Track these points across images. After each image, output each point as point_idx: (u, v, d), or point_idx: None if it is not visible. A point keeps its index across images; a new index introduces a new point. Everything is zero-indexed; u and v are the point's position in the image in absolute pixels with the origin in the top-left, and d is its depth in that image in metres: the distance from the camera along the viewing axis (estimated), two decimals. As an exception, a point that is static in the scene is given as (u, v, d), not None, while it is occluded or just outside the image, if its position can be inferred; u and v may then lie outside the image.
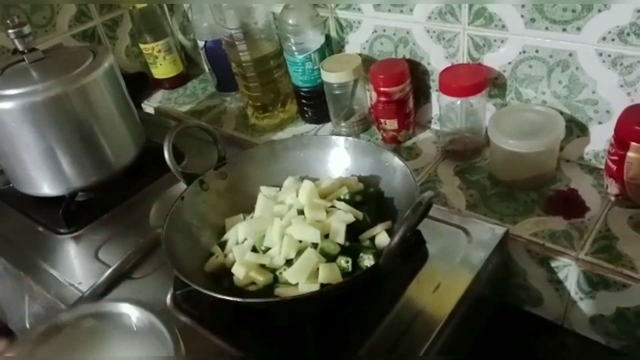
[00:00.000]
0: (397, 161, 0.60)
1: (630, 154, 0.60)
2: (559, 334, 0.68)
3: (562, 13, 0.63)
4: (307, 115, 0.94)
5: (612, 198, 0.66)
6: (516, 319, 0.70)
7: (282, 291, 0.52)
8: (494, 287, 0.66)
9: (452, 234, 0.64)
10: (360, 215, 0.57)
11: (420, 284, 0.59)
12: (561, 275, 0.63)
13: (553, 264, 0.63)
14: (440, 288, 0.58)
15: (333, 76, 0.82)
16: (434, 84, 0.81)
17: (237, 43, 0.85)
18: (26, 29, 0.74)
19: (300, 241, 0.54)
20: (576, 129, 0.71)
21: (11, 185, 0.82)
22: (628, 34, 0.60)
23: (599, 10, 0.60)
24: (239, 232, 0.58)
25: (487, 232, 0.63)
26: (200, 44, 0.98)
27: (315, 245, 0.54)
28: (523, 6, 0.65)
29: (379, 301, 0.57)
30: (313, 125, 0.94)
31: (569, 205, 0.67)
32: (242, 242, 0.58)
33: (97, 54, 0.78)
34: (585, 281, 0.61)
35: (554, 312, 0.68)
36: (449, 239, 0.63)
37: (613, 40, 0.61)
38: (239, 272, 0.53)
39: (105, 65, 0.76)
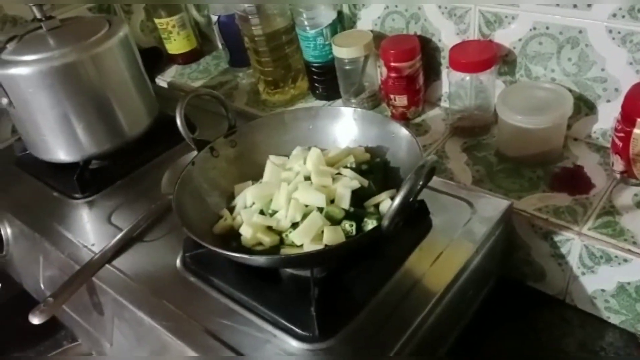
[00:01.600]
0: (403, 132, 0.60)
1: (636, 130, 0.60)
2: (560, 309, 0.69)
3: (573, -11, 0.63)
4: (317, 92, 0.95)
5: (618, 175, 0.66)
6: (517, 293, 0.71)
7: (287, 251, 0.54)
8: (495, 260, 0.67)
9: (457, 206, 0.65)
10: (365, 182, 0.58)
11: (422, 253, 0.60)
12: (564, 249, 0.64)
13: (556, 239, 0.64)
14: (442, 258, 0.59)
15: (344, 51, 0.83)
16: (444, 60, 0.81)
17: (250, 17, 0.86)
18: (44, -3, 0.75)
19: (307, 205, 0.56)
20: (584, 107, 0.71)
21: (28, 152, 0.84)
22: (639, 10, 0.60)
23: (611, -14, 0.60)
24: (247, 197, 0.60)
25: (491, 205, 0.64)
26: (214, 18, 0.99)
27: (320, 210, 0.55)
28: (535, -18, 0.65)
29: (380, 267, 0.58)
30: (323, 102, 0.95)
31: (574, 181, 0.68)
32: (250, 206, 0.59)
33: (112, 23, 0.79)
34: (587, 255, 0.62)
35: (555, 286, 0.68)
36: (453, 211, 0.64)
37: (623, 17, 0.61)
38: (246, 232, 0.55)
39: (120, 34, 0.78)
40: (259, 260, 0.53)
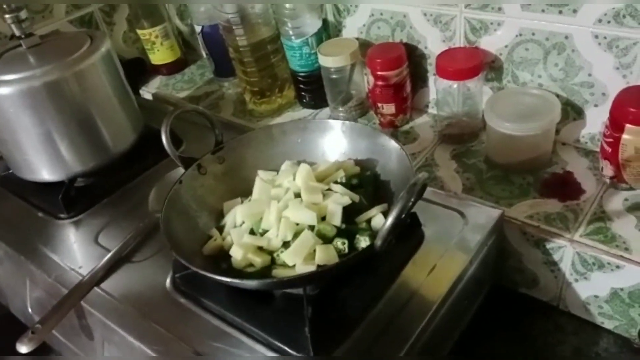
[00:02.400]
0: (393, 144, 0.60)
1: (625, 136, 0.60)
2: (554, 315, 0.69)
3: (558, -5, 0.63)
4: (304, 100, 0.94)
5: (607, 180, 0.66)
6: (511, 301, 0.71)
7: (279, 272, 0.53)
8: (489, 269, 0.67)
9: (448, 216, 0.65)
10: (356, 197, 0.58)
11: (416, 266, 0.60)
12: (556, 256, 0.64)
13: (548, 246, 0.64)
14: (436, 270, 0.59)
15: (330, 60, 0.82)
16: (431, 67, 0.81)
17: (234, 28, 0.85)
18: (23, 14, 0.74)
19: (297, 224, 0.55)
20: (572, 111, 0.71)
21: (11, 171, 0.83)
22: (624, 16, 0.60)
23: (595, -8, 0.60)
24: (237, 215, 0.59)
25: (482, 215, 0.64)
26: (198, 29, 0.98)
27: (312, 228, 0.54)
28: (520, -11, 0.65)
29: (375, 282, 0.57)
30: (311, 110, 0.94)
31: (565, 187, 0.68)
32: (240, 225, 0.58)
33: (94, 38, 0.78)
34: (580, 262, 0.62)
35: (549, 293, 0.68)
36: (445, 222, 0.64)
37: (609, 22, 0.61)
38: (236, 253, 0.54)
39: (102, 50, 0.76)
40: (251, 284, 0.53)
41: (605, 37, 0.63)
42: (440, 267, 0.59)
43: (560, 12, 0.64)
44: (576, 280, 0.64)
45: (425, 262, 0.60)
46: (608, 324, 0.65)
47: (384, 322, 0.54)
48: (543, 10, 0.65)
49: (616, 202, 0.64)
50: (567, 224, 0.63)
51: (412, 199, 0.44)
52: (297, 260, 0.52)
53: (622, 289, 0.61)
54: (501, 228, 0.66)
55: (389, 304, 0.56)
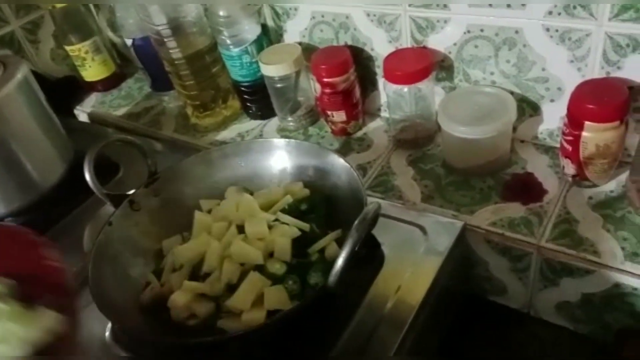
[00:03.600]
0: (341, 163, 0.55)
1: (585, 133, 0.57)
2: (526, 323, 0.66)
3: (505, -12, 0.59)
4: (251, 111, 0.89)
5: (570, 179, 0.63)
6: (483, 310, 0.68)
7: (225, 322, 0.47)
8: (457, 281, 0.64)
9: (408, 232, 0.61)
10: (306, 226, 0.53)
11: (380, 289, 0.56)
12: (523, 264, 0.61)
13: (514, 253, 0.60)
14: (402, 290, 0.55)
15: (272, 69, 0.77)
16: (380, 69, 0.76)
17: (165, 40, 0.79)
18: None
19: (243, 264, 0.50)
20: (528, 108, 0.67)
21: None
22: (574, 7, 0.56)
23: (543, -17, 0.57)
24: (175, 258, 0.53)
25: (443, 228, 0.60)
26: (129, 42, 0.91)
27: (259, 267, 0.49)
28: (464, -17, 0.61)
29: (337, 314, 0.53)
30: (258, 121, 0.88)
31: (526, 189, 0.65)
32: (180, 269, 0.53)
33: (7, 65, 0.70)
34: (548, 269, 0.59)
35: (518, 301, 0.65)
36: (405, 238, 0.60)
37: (559, 14, 0.58)
38: (175, 305, 0.48)
39: (18, 77, 0.69)
40: (189, 343, 0.47)
41: (556, 30, 0.59)
42: (405, 287, 0.55)
43: (509, 5, 0.60)
44: (545, 287, 0.61)
45: (389, 284, 0.56)
46: (582, 329, 0.62)
47: (354, 351, 0.50)
48: (490, 5, 0.61)
49: (580, 201, 0.62)
50: (531, 228, 0.60)
51: (363, 234, 0.40)
52: (244, 307, 0.46)
53: (594, 294, 0.58)
54: (464, 239, 0.62)
55: (356, 334, 0.52)
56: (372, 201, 0.50)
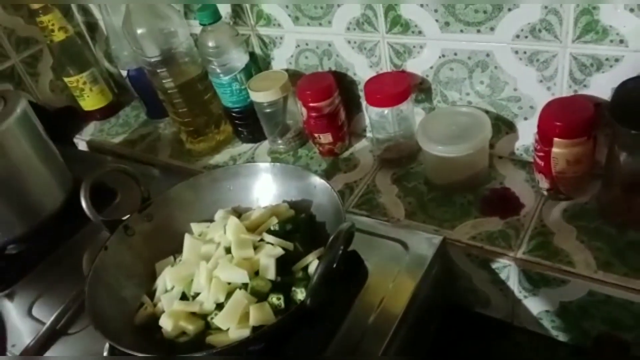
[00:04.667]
0: (323, 184, 0.58)
1: (555, 149, 0.60)
2: (510, 332, 0.68)
3: (474, 14, 0.62)
4: (242, 135, 0.92)
5: (545, 192, 0.66)
6: (469, 320, 0.70)
7: (213, 339, 0.50)
8: (440, 293, 0.66)
9: (390, 247, 0.63)
10: (290, 246, 0.55)
11: (364, 302, 0.58)
12: (502, 275, 0.63)
13: (493, 266, 0.63)
14: (384, 302, 0.58)
15: (261, 95, 0.80)
16: (363, 93, 0.80)
17: (158, 71, 0.82)
18: None
19: (229, 283, 0.52)
20: (504, 126, 0.70)
21: None
22: (540, 30, 0.60)
23: (509, 9, 0.60)
24: (167, 280, 0.56)
25: (424, 243, 0.63)
26: (124, 73, 0.95)
27: (245, 285, 0.52)
28: (436, 11, 0.64)
29: (322, 326, 0.56)
30: (250, 145, 0.92)
31: (504, 203, 0.67)
32: (171, 290, 0.56)
33: (7, 100, 0.74)
34: (526, 280, 0.61)
35: (502, 311, 0.68)
36: (388, 253, 0.63)
37: (526, 37, 0.61)
38: (167, 324, 0.51)
39: (17, 111, 0.72)
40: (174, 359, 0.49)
41: (525, 52, 0.62)
42: (388, 301, 0.58)
43: (479, 31, 0.63)
44: (525, 297, 0.64)
45: (372, 298, 0.59)
46: (563, 337, 0.65)
47: None
48: (462, 31, 0.64)
49: (555, 213, 0.64)
50: (509, 241, 0.62)
51: (338, 253, 0.42)
52: (230, 324, 0.49)
53: (570, 302, 0.60)
54: (445, 252, 0.65)
55: (341, 345, 0.54)
56: (354, 219, 0.53)
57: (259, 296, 0.51)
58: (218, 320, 0.50)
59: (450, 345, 0.66)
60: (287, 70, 0.84)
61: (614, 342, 0.59)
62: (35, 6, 0.96)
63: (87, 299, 0.51)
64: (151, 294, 0.58)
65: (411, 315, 0.58)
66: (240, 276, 0.51)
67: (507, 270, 0.62)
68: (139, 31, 0.79)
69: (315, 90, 0.76)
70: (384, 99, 0.70)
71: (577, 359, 0.63)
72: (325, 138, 0.81)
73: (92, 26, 1.10)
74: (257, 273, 0.53)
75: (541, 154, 0.62)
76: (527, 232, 0.63)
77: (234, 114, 0.89)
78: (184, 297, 0.54)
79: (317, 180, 0.59)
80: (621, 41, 0.56)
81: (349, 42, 0.75)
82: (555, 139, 0.59)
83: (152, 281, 0.60)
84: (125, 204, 0.65)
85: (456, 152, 0.66)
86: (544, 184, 0.65)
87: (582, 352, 0.63)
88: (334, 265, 0.44)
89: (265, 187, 0.65)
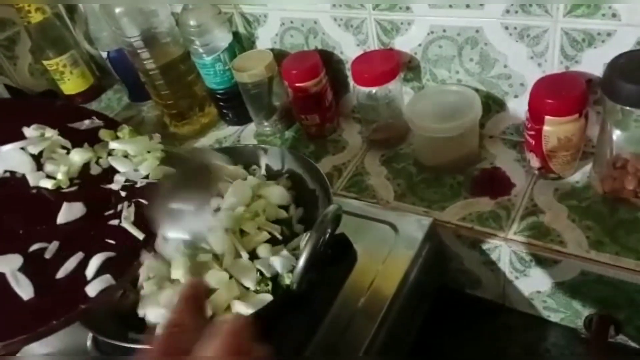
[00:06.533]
0: (311, 166, 0.57)
1: (546, 127, 0.59)
2: (501, 313, 0.67)
3: (462, -11, 0.61)
4: (227, 118, 0.90)
5: (536, 172, 0.65)
6: (459, 302, 0.69)
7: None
8: (431, 274, 0.65)
9: (380, 229, 0.62)
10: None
11: (353, 285, 0.58)
12: (493, 256, 0.62)
13: (484, 247, 0.62)
14: (374, 284, 0.57)
15: (246, 76, 0.78)
16: (350, 72, 0.78)
17: (139, 51, 0.80)
18: None
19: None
20: (494, 104, 0.69)
21: None
22: (530, 5, 0.58)
23: (499, -17, 0.58)
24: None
25: (414, 225, 0.62)
26: (104, 54, 0.92)
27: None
28: (424, -14, 0.62)
29: (310, 312, 0.55)
30: (236, 127, 0.90)
31: (494, 183, 0.66)
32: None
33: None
34: (517, 260, 0.61)
35: (492, 292, 0.67)
36: (377, 236, 0.62)
37: (517, 12, 0.59)
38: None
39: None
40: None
41: (515, 28, 0.61)
42: (378, 283, 0.57)
43: (468, 6, 0.62)
44: (517, 278, 0.63)
45: (362, 281, 0.58)
46: (554, 317, 0.64)
47: (329, 347, 0.52)
48: (451, 6, 0.62)
49: (547, 193, 0.63)
50: (500, 222, 0.61)
51: (324, 235, 0.41)
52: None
53: (562, 283, 0.60)
54: (435, 234, 0.64)
55: (331, 329, 0.54)
56: (343, 202, 0.51)
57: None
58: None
59: (441, 327, 0.65)
60: (272, 49, 0.81)
61: (606, 321, 0.59)
62: (10, -14, 0.93)
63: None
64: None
65: (401, 297, 0.58)
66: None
67: (498, 250, 0.61)
68: (118, 10, 0.76)
69: (301, 69, 0.74)
70: (372, 78, 0.68)
71: (569, 339, 0.63)
72: (313, 119, 0.79)
73: (71, 7, 1.06)
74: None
75: (532, 132, 0.61)
76: (518, 212, 0.62)
77: (218, 96, 0.86)
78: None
79: (305, 163, 0.57)
80: (614, 15, 0.54)
81: (335, 19, 0.72)
82: (547, 117, 0.58)
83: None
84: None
85: (446, 132, 0.65)
86: (535, 163, 0.64)
87: (574, 333, 0.63)
88: (321, 249, 0.43)
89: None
